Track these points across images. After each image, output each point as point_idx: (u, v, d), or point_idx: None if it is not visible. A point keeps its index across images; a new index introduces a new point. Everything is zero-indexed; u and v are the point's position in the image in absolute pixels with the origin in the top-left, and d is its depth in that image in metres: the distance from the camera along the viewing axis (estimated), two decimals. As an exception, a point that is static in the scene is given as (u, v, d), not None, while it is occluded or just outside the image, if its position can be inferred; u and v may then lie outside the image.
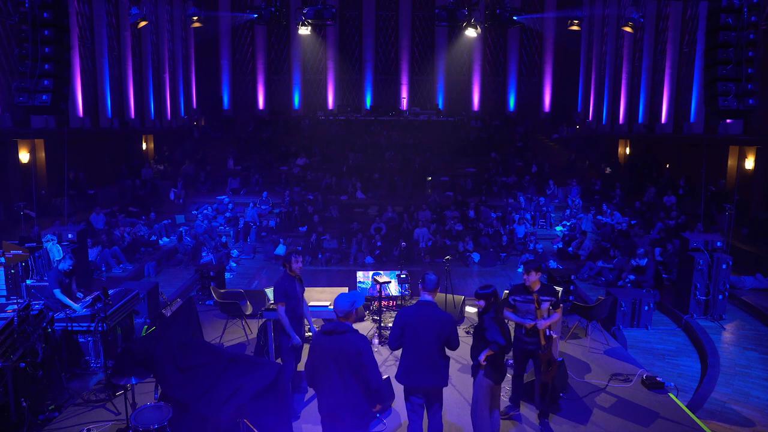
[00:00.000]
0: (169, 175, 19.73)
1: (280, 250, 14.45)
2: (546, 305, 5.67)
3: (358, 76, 26.97)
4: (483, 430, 5.18)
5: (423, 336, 4.79)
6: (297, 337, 5.86)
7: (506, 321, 5.48)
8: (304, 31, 16.35)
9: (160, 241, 14.79)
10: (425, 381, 4.90)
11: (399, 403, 6.36)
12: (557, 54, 26.42)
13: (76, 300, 7.37)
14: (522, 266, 5.42)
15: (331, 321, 4.31)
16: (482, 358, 4.97)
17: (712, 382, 7.39)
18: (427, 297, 4.95)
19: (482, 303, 5.15)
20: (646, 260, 10.82)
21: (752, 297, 10.38)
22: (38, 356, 6.18)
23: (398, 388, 6.60)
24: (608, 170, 20.11)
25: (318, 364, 4.26)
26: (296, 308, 5.98)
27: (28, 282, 8.07)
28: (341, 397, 4.17)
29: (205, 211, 16.70)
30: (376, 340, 8.18)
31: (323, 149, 21.35)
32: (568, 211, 16.89)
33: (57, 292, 7.13)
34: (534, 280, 5.75)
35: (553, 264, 13.12)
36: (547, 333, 5.65)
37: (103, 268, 12.23)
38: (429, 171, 19.53)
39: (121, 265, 12.56)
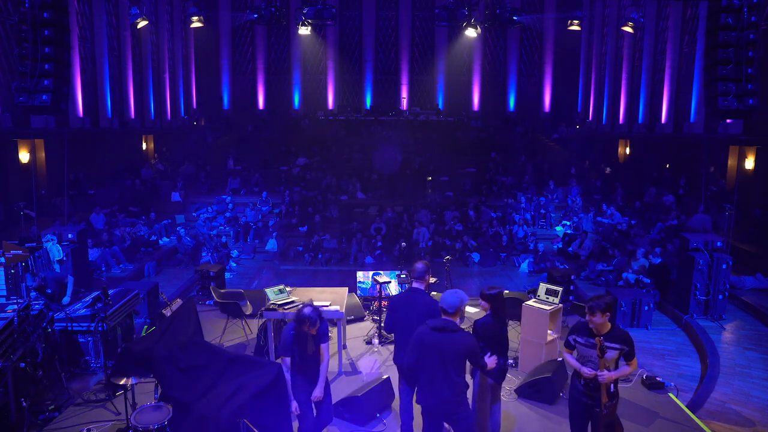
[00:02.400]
0: (168, 175, 19.73)
1: (272, 245, 14.59)
2: (613, 354, 4.46)
3: (358, 76, 26.96)
4: (483, 427, 5.20)
5: (410, 320, 5.10)
6: (294, 402, 4.90)
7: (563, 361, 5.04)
8: (304, 31, 16.38)
9: (160, 241, 14.79)
10: None
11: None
12: (557, 54, 26.39)
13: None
14: (587, 309, 4.55)
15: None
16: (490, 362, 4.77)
17: (712, 382, 7.38)
18: (416, 284, 5.35)
19: (485, 304, 5.12)
20: (658, 260, 10.95)
21: (752, 297, 10.38)
22: (38, 356, 6.18)
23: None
24: (608, 170, 20.10)
25: (422, 359, 4.38)
26: (303, 367, 4.94)
27: (28, 282, 8.07)
28: (446, 393, 4.33)
29: (205, 214, 16.64)
30: (376, 340, 8.19)
31: (323, 149, 21.34)
32: (565, 210, 16.90)
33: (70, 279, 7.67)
34: (600, 322, 4.49)
35: (559, 264, 13.12)
36: (611, 389, 4.49)
37: (103, 268, 12.23)
38: (429, 171, 19.52)
39: (121, 265, 12.56)
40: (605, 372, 4.39)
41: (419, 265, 5.39)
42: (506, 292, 6.78)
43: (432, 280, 7.52)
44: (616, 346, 4.46)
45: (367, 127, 23.84)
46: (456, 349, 4.31)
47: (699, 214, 13.07)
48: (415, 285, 5.38)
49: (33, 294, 7.36)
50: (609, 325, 4.54)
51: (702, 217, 12.94)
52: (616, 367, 4.52)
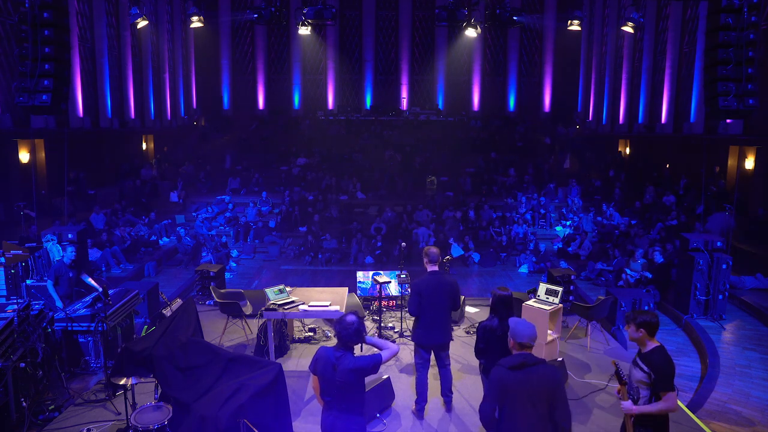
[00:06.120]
0: (167, 175, 19.73)
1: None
2: (640, 375, 3.89)
3: (358, 76, 26.96)
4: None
5: (437, 300, 5.69)
6: None
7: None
8: (304, 31, 16.34)
9: (160, 241, 14.79)
10: (438, 338, 5.81)
11: (399, 403, 6.36)
12: (557, 54, 26.41)
13: (73, 293, 7.73)
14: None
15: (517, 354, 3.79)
16: None
17: (712, 382, 7.39)
18: (434, 267, 5.80)
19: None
20: (661, 259, 10.98)
21: (752, 297, 10.38)
22: (38, 356, 6.18)
23: (399, 389, 6.59)
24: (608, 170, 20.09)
25: (510, 403, 3.67)
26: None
27: (28, 282, 8.07)
28: None
29: (204, 214, 16.62)
30: (376, 340, 8.17)
31: (323, 149, 21.35)
32: (564, 210, 16.90)
33: (49, 283, 7.67)
34: (636, 336, 3.89)
35: (564, 264, 13.12)
36: (631, 420, 3.97)
37: (103, 268, 12.23)
38: (429, 171, 19.52)
39: (121, 265, 12.56)
40: (628, 402, 3.93)
41: (435, 250, 5.89)
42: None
43: None
44: (644, 368, 3.88)
45: (367, 127, 23.84)
46: (541, 386, 3.65)
47: (718, 213, 12.70)
48: (433, 268, 5.80)
49: (71, 256, 7.94)
50: (648, 345, 3.94)
51: (722, 217, 12.31)
52: (649, 399, 3.91)
